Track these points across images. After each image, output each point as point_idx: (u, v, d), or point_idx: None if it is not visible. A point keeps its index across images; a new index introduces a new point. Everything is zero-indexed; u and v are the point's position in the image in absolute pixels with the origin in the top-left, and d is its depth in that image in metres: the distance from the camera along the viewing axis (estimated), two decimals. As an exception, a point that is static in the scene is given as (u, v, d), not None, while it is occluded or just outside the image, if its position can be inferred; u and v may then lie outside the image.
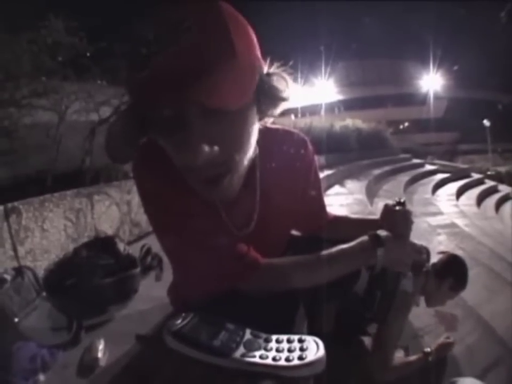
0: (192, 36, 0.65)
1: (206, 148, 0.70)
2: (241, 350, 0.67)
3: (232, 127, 0.74)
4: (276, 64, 0.84)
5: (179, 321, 0.71)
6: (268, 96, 0.81)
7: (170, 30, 0.67)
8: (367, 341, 1.59)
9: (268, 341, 0.71)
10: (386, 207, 1.12)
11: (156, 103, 0.68)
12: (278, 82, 0.82)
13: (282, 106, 0.86)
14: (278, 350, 0.68)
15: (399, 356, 1.49)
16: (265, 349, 0.68)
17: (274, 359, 0.66)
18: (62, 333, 1.67)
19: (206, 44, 0.66)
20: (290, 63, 0.89)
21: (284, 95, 0.84)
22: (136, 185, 0.94)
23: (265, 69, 0.82)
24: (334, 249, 0.98)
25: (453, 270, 1.54)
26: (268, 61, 0.83)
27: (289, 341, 0.70)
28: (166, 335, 0.68)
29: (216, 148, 0.72)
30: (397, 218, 1.05)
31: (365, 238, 0.98)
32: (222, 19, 0.68)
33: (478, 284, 2.41)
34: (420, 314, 1.81)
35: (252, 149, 0.84)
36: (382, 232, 0.98)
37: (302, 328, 1.21)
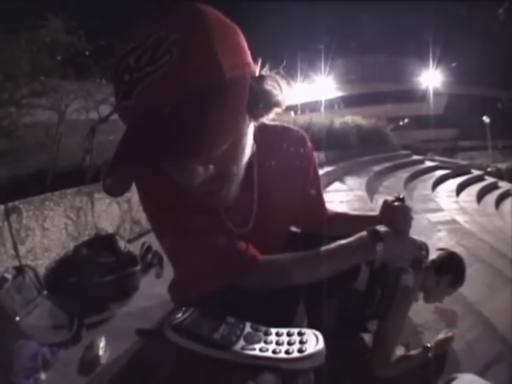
0: (173, 60, 0.63)
1: (201, 170, 0.71)
2: (241, 343, 0.68)
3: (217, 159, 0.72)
4: (267, 66, 0.82)
5: (179, 315, 0.71)
6: (259, 102, 0.79)
7: (150, 52, 0.64)
8: (367, 337, 1.59)
9: (267, 334, 0.71)
10: (386, 203, 1.12)
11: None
12: (271, 86, 0.80)
13: (276, 110, 0.85)
14: (277, 343, 0.69)
15: (399, 352, 1.50)
16: (265, 342, 0.69)
17: (274, 351, 0.67)
18: (63, 331, 1.68)
19: (188, 71, 0.65)
20: (284, 63, 0.87)
21: (277, 99, 0.82)
22: (135, 183, 0.94)
23: (257, 71, 0.80)
24: (333, 245, 0.98)
25: (451, 267, 1.55)
26: (259, 63, 0.81)
27: (289, 334, 0.71)
28: (167, 329, 0.68)
29: (211, 166, 0.73)
30: (396, 214, 1.05)
31: (364, 233, 0.98)
32: (206, 34, 0.66)
33: (478, 280, 2.41)
34: (420, 311, 1.81)
35: (248, 152, 0.84)
36: (381, 228, 0.98)
37: (302, 324, 1.22)
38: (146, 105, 0.64)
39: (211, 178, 0.74)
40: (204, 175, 0.71)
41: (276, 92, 0.81)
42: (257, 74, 0.79)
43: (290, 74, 0.86)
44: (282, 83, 0.83)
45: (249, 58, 0.77)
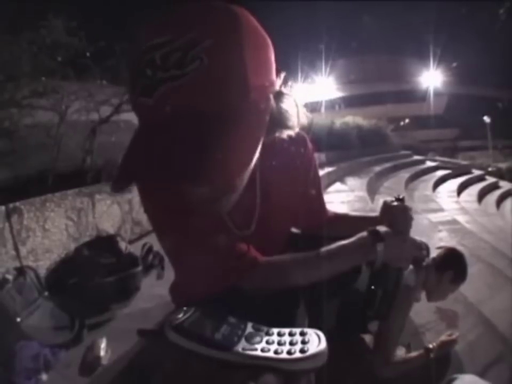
0: (201, 66, 0.61)
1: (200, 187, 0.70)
2: (242, 343, 0.68)
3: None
4: (289, 82, 0.81)
5: (181, 315, 0.71)
6: (275, 124, 0.79)
7: (180, 53, 0.61)
8: (368, 338, 1.59)
9: (269, 334, 0.71)
10: (386, 203, 1.12)
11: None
12: (287, 106, 0.80)
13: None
14: (279, 343, 0.69)
15: (400, 352, 1.50)
16: (267, 342, 0.69)
17: (276, 352, 0.66)
18: (64, 332, 1.68)
19: (215, 86, 0.63)
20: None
21: (292, 124, 0.82)
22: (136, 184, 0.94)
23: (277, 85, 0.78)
24: (333, 245, 0.98)
25: (452, 263, 1.55)
26: (282, 77, 0.79)
27: (291, 334, 0.71)
28: (168, 329, 0.68)
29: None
30: (396, 214, 1.05)
31: (364, 233, 0.98)
32: (239, 45, 0.64)
33: (479, 280, 2.41)
34: (421, 311, 1.81)
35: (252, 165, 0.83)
36: (382, 228, 0.98)
37: (303, 325, 1.22)
38: (165, 110, 0.62)
39: (212, 189, 0.73)
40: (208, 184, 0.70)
41: (291, 114, 0.81)
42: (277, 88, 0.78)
43: (291, 74, 0.85)
44: (299, 104, 0.83)
45: (274, 75, 0.75)
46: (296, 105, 0.83)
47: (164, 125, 0.63)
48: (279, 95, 0.78)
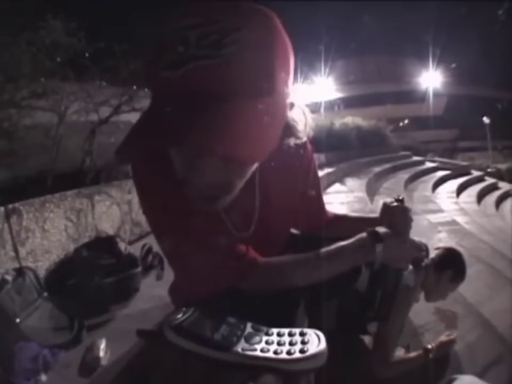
0: (236, 52, 0.63)
1: (214, 173, 0.71)
2: (242, 343, 0.68)
3: (239, 165, 0.74)
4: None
5: (180, 315, 0.71)
6: (284, 132, 0.80)
7: (216, 37, 0.63)
8: (367, 339, 1.60)
9: (269, 334, 0.71)
10: (385, 204, 1.12)
11: (179, 105, 0.64)
12: (298, 118, 0.82)
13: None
14: (279, 343, 0.68)
15: (399, 353, 1.50)
16: (267, 343, 0.69)
17: (275, 352, 0.66)
18: (63, 332, 1.68)
19: (246, 72, 0.64)
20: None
21: (300, 135, 0.84)
22: (135, 183, 0.94)
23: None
24: (333, 246, 0.98)
25: (451, 262, 1.55)
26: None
27: (290, 334, 0.70)
28: (167, 330, 0.68)
29: (222, 175, 0.73)
30: (396, 216, 1.05)
31: (363, 234, 0.98)
32: (272, 44, 0.67)
33: (478, 281, 2.41)
34: (420, 312, 1.81)
35: (254, 168, 0.83)
36: (381, 229, 0.98)
37: (303, 325, 1.22)
38: (191, 85, 0.63)
39: (214, 186, 0.74)
40: (213, 180, 0.71)
41: (301, 126, 0.83)
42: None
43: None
44: (308, 114, 0.85)
45: (291, 84, 0.76)
46: (305, 116, 0.85)
47: (187, 99, 0.63)
48: (290, 105, 0.79)
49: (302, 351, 0.66)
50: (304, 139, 0.89)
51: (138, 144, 0.66)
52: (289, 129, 0.81)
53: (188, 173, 0.73)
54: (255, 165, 0.80)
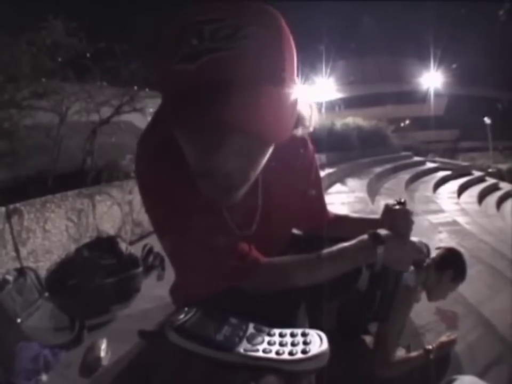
0: (249, 46, 0.65)
1: (233, 159, 0.71)
2: (244, 344, 0.68)
3: (257, 144, 0.74)
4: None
5: (182, 316, 0.71)
6: (295, 123, 0.81)
7: (230, 31, 0.66)
8: (368, 339, 1.60)
9: (271, 334, 0.71)
10: (387, 206, 1.12)
11: (192, 105, 0.65)
12: (303, 108, 0.83)
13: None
14: (281, 344, 0.68)
15: (400, 353, 1.50)
16: (269, 343, 0.68)
17: (277, 353, 0.66)
18: (64, 332, 1.68)
19: (258, 58, 0.66)
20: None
21: (308, 124, 0.86)
22: (138, 182, 0.93)
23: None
24: (334, 247, 0.98)
25: (451, 262, 1.56)
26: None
27: (292, 335, 0.70)
28: (169, 330, 0.68)
29: (240, 159, 0.73)
30: (397, 218, 1.05)
31: (365, 236, 0.98)
32: (280, 39, 0.70)
33: (479, 281, 2.41)
34: (421, 312, 1.81)
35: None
36: (382, 231, 0.98)
37: (304, 326, 1.22)
38: (208, 76, 0.64)
39: (229, 175, 0.74)
40: (233, 163, 0.72)
41: (307, 117, 0.85)
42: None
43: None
44: (313, 107, 0.87)
45: (296, 79, 0.78)
46: (311, 108, 0.86)
47: (205, 87, 0.64)
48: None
49: (304, 351, 0.65)
50: (311, 129, 0.89)
51: (164, 126, 0.68)
52: (298, 119, 0.81)
53: (206, 160, 0.72)
54: (269, 151, 0.81)
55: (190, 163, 0.76)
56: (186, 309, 0.73)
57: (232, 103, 0.62)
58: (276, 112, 0.68)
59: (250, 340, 0.69)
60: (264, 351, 0.66)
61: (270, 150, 0.80)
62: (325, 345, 0.66)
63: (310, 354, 0.65)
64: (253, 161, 0.75)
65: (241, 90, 0.64)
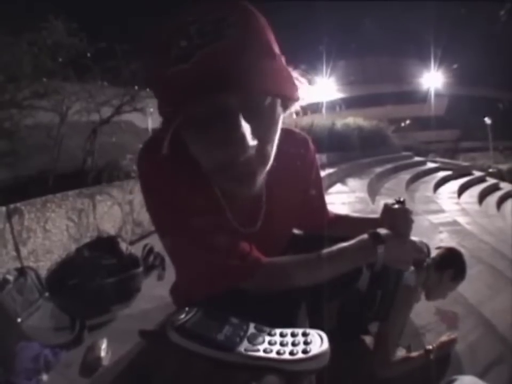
0: (237, 33, 0.68)
1: (250, 140, 0.70)
2: (245, 344, 0.67)
3: (267, 119, 0.76)
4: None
5: (182, 316, 0.70)
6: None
7: (214, 25, 0.68)
8: (368, 339, 1.60)
9: (271, 334, 0.71)
10: (386, 206, 1.12)
11: (198, 95, 0.67)
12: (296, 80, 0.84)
13: (300, 103, 0.87)
14: (282, 344, 0.68)
15: (400, 353, 1.50)
16: (269, 343, 0.68)
17: (278, 352, 0.66)
18: (64, 332, 1.68)
19: (249, 41, 0.69)
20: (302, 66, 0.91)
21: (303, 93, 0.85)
22: (140, 181, 0.93)
23: None
24: (335, 247, 0.98)
25: (451, 262, 1.56)
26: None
27: (293, 335, 0.70)
28: (170, 330, 0.68)
29: (255, 141, 0.73)
30: (397, 217, 1.05)
31: (365, 236, 0.98)
32: (259, 20, 0.73)
33: (479, 281, 2.40)
34: (421, 312, 1.81)
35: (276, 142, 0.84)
36: (382, 230, 0.98)
37: (305, 326, 1.22)
38: (206, 68, 0.66)
39: (249, 159, 0.74)
40: (252, 147, 0.72)
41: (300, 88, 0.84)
42: None
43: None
44: (305, 81, 0.87)
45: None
46: (301, 81, 0.87)
47: (206, 78, 0.66)
48: None
49: (304, 351, 0.65)
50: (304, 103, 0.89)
51: (172, 123, 0.68)
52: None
53: (223, 151, 0.72)
54: (280, 123, 0.82)
55: (203, 162, 0.77)
56: (187, 308, 0.73)
57: (235, 73, 0.66)
58: (274, 72, 0.72)
59: (251, 339, 0.69)
60: (265, 351, 0.66)
61: (280, 122, 0.82)
62: (326, 345, 0.66)
63: (310, 354, 0.65)
64: (263, 132, 0.75)
65: (241, 67, 0.67)
